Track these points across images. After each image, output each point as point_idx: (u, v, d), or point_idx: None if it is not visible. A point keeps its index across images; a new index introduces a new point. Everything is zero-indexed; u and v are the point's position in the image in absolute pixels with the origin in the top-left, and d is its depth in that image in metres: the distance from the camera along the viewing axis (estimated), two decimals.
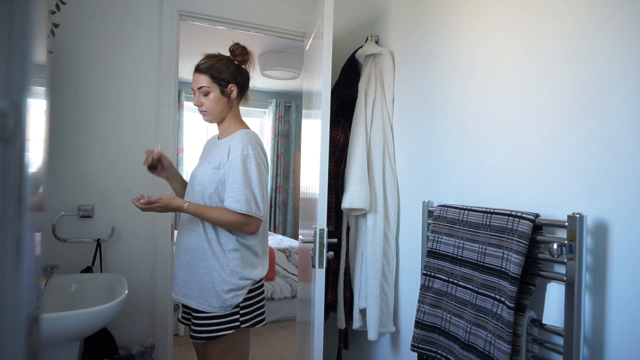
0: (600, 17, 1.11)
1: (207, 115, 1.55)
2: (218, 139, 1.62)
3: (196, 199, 1.51)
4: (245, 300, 1.48)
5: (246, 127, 1.59)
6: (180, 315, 1.65)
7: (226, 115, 1.57)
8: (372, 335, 1.85)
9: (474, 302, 1.34)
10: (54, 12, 1.77)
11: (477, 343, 1.30)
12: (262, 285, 1.57)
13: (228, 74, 1.53)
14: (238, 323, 1.46)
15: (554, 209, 1.21)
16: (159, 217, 2.17)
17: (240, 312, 1.47)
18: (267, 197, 1.55)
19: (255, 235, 1.52)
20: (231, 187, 1.43)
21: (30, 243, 0.38)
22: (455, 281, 1.43)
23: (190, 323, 1.52)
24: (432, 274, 1.54)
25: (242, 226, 1.44)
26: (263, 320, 1.56)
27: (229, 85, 1.53)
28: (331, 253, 1.77)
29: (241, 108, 1.66)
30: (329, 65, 1.74)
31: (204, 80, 1.51)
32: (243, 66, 1.61)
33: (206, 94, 1.51)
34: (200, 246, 1.47)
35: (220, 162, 1.47)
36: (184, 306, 1.61)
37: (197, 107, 1.55)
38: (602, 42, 1.11)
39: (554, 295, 1.13)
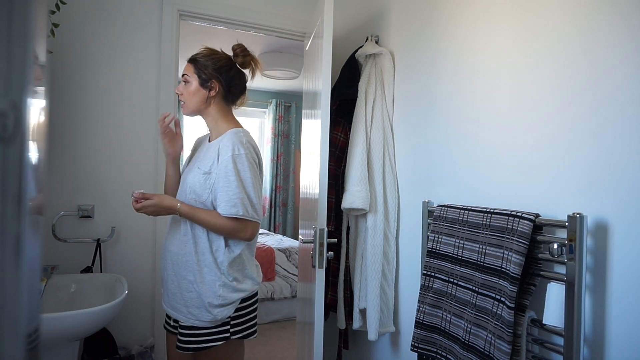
0: (600, 18, 1.12)
1: (184, 108, 1.48)
2: (209, 140, 1.53)
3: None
4: (237, 310, 1.40)
5: (237, 125, 1.49)
6: (164, 322, 1.56)
7: (202, 110, 1.49)
8: (372, 335, 1.85)
9: (474, 302, 1.34)
10: (54, 12, 1.77)
11: (477, 343, 1.29)
12: (255, 294, 1.49)
13: (212, 69, 1.46)
14: (228, 334, 1.38)
15: (554, 209, 1.21)
16: (159, 217, 2.17)
17: (231, 322, 1.39)
18: (261, 198, 1.45)
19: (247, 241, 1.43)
20: (224, 190, 1.34)
21: (30, 243, 0.38)
22: (456, 281, 1.43)
23: (177, 332, 1.43)
24: (432, 274, 1.54)
25: (237, 232, 1.35)
26: (255, 332, 1.46)
27: (210, 81, 1.45)
28: (331, 253, 1.77)
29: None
30: (329, 65, 1.74)
31: (188, 69, 1.47)
32: (244, 69, 1.54)
33: (186, 82, 1.46)
34: (189, 258, 1.37)
35: (210, 167, 1.38)
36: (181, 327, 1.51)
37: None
38: (602, 42, 1.11)
39: (554, 295, 1.13)
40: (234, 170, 1.34)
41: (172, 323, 1.50)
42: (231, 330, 1.39)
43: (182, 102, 1.49)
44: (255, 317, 1.48)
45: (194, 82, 1.46)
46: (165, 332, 1.56)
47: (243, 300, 1.41)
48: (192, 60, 1.48)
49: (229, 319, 1.38)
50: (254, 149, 1.43)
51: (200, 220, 1.36)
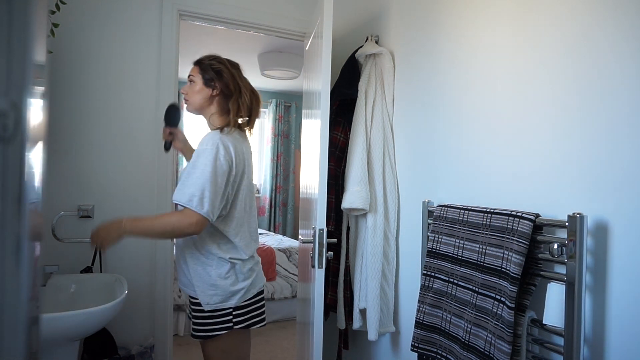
0: (599, 19, 1.12)
1: (189, 105, 1.56)
2: None
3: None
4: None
5: (225, 126, 1.50)
6: (188, 311, 1.69)
7: (205, 109, 1.55)
8: (372, 335, 1.85)
9: (474, 302, 1.34)
10: (54, 12, 1.77)
11: (477, 343, 1.29)
12: (261, 292, 1.56)
13: (214, 74, 1.52)
14: (231, 324, 1.46)
15: (554, 209, 1.21)
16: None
17: (234, 312, 1.46)
18: (222, 199, 1.41)
19: (239, 243, 1.47)
20: (182, 179, 1.40)
21: (30, 243, 0.38)
22: (456, 281, 1.43)
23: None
24: (432, 274, 1.54)
25: (178, 222, 1.34)
26: (262, 320, 1.55)
27: (214, 81, 1.52)
28: (330, 253, 1.76)
29: None
30: (329, 65, 1.74)
31: (194, 70, 1.55)
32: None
33: (191, 82, 1.55)
34: (190, 243, 1.48)
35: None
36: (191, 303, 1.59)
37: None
38: (602, 42, 1.11)
39: (554, 295, 1.13)
40: (197, 163, 1.38)
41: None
42: (234, 320, 1.46)
43: (187, 100, 1.57)
44: (261, 306, 1.56)
45: (198, 81, 1.54)
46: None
47: (247, 299, 1.49)
48: (198, 62, 1.57)
49: (231, 309, 1.45)
50: (227, 149, 1.41)
51: (146, 228, 1.39)
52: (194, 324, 1.48)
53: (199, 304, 1.45)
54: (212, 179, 1.36)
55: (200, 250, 1.46)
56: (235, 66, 1.58)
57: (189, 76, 1.56)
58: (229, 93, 1.53)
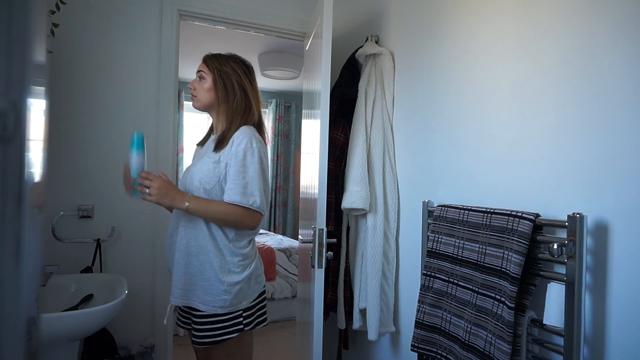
0: (597, 23, 1.12)
1: (196, 102, 1.53)
2: (213, 133, 1.58)
3: (195, 194, 1.43)
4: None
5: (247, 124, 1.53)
6: (176, 319, 1.60)
7: (214, 107, 1.52)
8: (372, 335, 1.85)
9: (474, 302, 1.34)
10: (54, 12, 1.77)
11: (477, 343, 1.29)
12: (263, 286, 1.56)
13: (229, 70, 1.50)
14: (242, 326, 1.43)
15: (554, 209, 1.21)
16: (159, 216, 2.16)
17: (243, 314, 1.44)
18: (268, 192, 1.50)
19: (251, 235, 1.48)
20: (232, 179, 1.39)
21: (30, 243, 0.38)
22: (456, 281, 1.43)
23: (190, 327, 1.48)
24: (432, 274, 1.54)
25: (243, 218, 1.39)
26: (264, 320, 1.54)
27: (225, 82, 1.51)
28: (330, 253, 1.76)
29: None
30: (329, 65, 1.74)
31: (203, 66, 1.52)
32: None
33: (201, 79, 1.51)
34: (203, 243, 1.40)
35: (220, 156, 1.42)
36: (181, 309, 1.57)
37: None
38: (601, 42, 1.11)
39: (554, 295, 1.13)
40: (246, 162, 1.39)
41: (185, 320, 1.55)
42: (244, 322, 1.44)
43: (194, 97, 1.53)
44: (264, 306, 1.56)
45: (209, 78, 1.50)
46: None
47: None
48: (206, 58, 1.53)
49: (241, 311, 1.44)
50: (264, 147, 1.48)
51: (208, 212, 1.38)
52: (198, 330, 1.42)
53: (205, 315, 1.41)
54: (260, 174, 1.41)
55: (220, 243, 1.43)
56: (247, 69, 1.56)
57: (198, 71, 1.52)
58: (240, 96, 1.51)
